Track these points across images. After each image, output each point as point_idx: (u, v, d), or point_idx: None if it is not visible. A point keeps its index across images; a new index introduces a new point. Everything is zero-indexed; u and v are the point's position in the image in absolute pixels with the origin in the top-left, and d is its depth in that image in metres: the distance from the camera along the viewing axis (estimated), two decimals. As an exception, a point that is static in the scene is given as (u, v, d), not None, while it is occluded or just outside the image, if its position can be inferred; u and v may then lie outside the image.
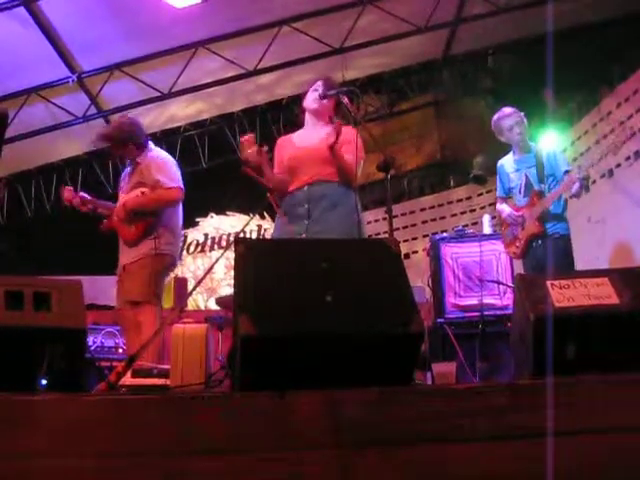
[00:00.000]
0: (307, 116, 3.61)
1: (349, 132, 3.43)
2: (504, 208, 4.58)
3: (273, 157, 3.59)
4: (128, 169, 4.31)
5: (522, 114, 4.47)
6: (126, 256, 4.06)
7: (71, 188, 4.41)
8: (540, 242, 4.29)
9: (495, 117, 4.56)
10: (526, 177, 4.45)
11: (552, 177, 4.37)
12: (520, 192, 4.49)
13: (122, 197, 4.17)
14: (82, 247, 7.89)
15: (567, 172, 4.33)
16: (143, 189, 4.09)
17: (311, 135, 3.51)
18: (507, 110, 4.49)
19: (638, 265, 5.71)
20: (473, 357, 4.37)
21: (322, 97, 3.48)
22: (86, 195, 4.36)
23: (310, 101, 3.55)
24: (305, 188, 3.37)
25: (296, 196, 3.40)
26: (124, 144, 4.19)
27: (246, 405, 1.60)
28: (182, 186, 4.12)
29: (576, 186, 4.21)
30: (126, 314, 4.04)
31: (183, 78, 7.60)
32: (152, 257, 3.99)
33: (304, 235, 3.22)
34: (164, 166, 4.17)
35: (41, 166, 8.95)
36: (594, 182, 6.82)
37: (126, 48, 7.19)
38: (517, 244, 4.42)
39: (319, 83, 3.56)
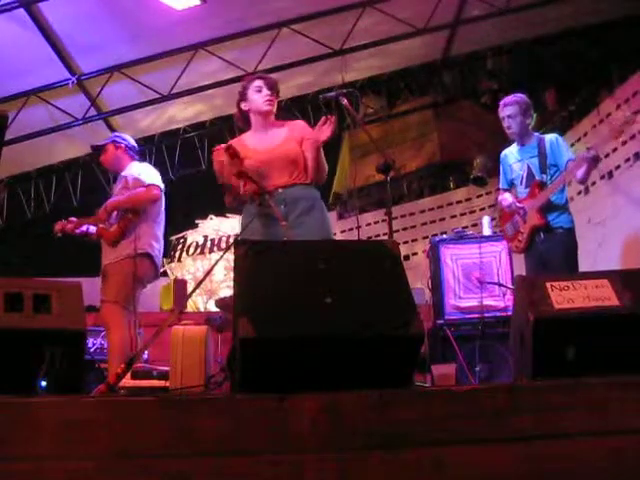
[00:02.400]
0: (254, 118, 3.50)
1: (306, 127, 3.45)
2: (506, 197, 4.41)
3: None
4: (114, 189, 4.44)
5: (521, 105, 4.29)
6: (107, 257, 4.12)
7: (61, 221, 4.47)
8: (543, 236, 4.16)
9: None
10: (528, 167, 4.30)
11: (555, 167, 4.20)
12: (521, 183, 4.34)
13: None
14: (82, 249, 7.88)
15: (570, 160, 4.19)
16: (124, 192, 4.22)
17: (272, 137, 3.44)
18: (504, 101, 4.37)
19: (638, 267, 5.71)
20: (473, 359, 4.37)
21: (273, 93, 3.46)
22: (74, 219, 4.42)
23: (261, 103, 3.43)
24: (280, 191, 3.29)
25: (266, 198, 3.30)
26: (121, 150, 4.38)
27: (246, 407, 1.60)
28: (161, 185, 4.22)
29: (583, 169, 4.07)
30: None
31: (183, 80, 7.61)
32: (132, 258, 4.01)
33: (285, 238, 3.17)
34: (144, 167, 4.34)
35: (41, 168, 8.96)
36: (594, 183, 6.84)
37: (126, 50, 7.20)
38: (520, 238, 4.27)
39: (260, 82, 3.47)
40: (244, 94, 3.49)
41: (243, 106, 3.50)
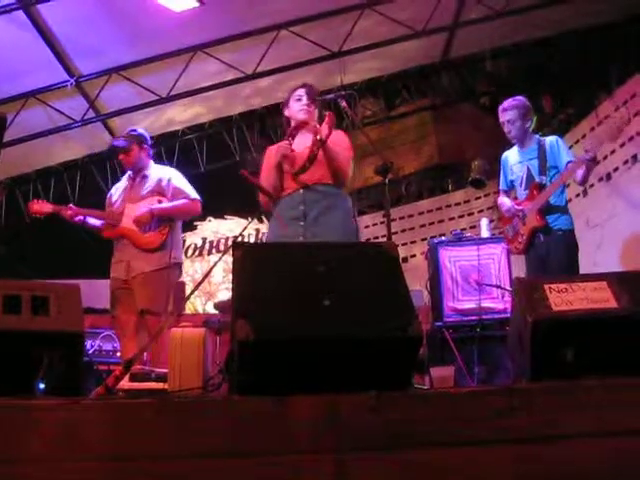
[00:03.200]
0: (293, 124, 3.60)
1: (337, 133, 3.48)
2: (504, 201, 4.46)
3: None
4: (129, 181, 4.36)
5: (520, 109, 4.33)
6: (142, 263, 4.07)
7: (41, 201, 4.45)
8: (542, 238, 4.18)
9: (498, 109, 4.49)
10: (528, 169, 4.33)
11: (555, 169, 4.23)
12: (521, 185, 4.38)
13: (130, 206, 4.19)
14: (80, 251, 7.88)
15: (570, 162, 4.20)
16: (159, 198, 4.19)
17: (301, 140, 3.51)
18: (503, 105, 4.39)
19: (636, 269, 5.71)
20: (471, 361, 4.37)
21: (312, 102, 3.52)
22: (73, 206, 4.38)
23: (296, 111, 3.57)
24: (300, 191, 3.38)
25: (291, 199, 3.40)
26: (145, 151, 4.33)
27: (244, 409, 1.60)
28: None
29: (582, 171, 4.07)
30: (128, 320, 4.03)
31: (181, 82, 7.60)
32: (171, 267, 4.10)
33: (301, 238, 3.22)
34: (183, 179, 4.35)
35: (39, 170, 8.94)
36: (592, 186, 6.84)
37: (124, 52, 7.19)
38: (519, 239, 4.30)
39: (302, 91, 3.58)
40: (287, 100, 3.65)
41: (285, 112, 3.67)
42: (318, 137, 3.33)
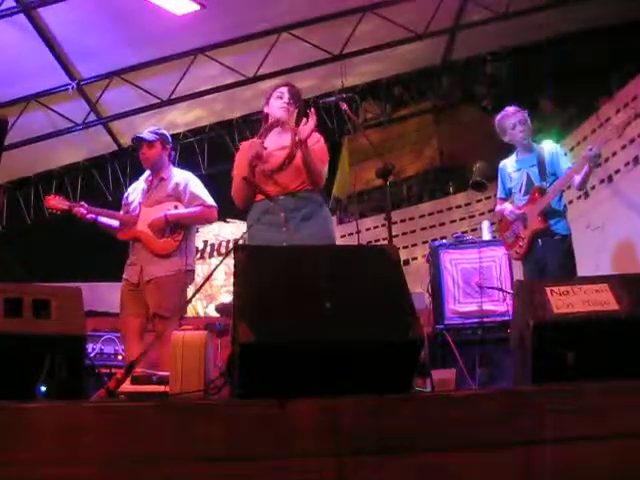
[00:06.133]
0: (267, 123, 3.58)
1: (315, 136, 3.45)
2: (506, 206, 4.51)
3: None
4: (147, 183, 4.30)
5: (525, 113, 4.44)
6: (156, 268, 4.04)
7: (59, 197, 4.37)
8: (541, 242, 4.23)
9: (498, 117, 4.54)
10: (527, 176, 4.40)
11: (554, 176, 4.30)
12: (520, 191, 4.44)
13: (146, 209, 4.15)
14: (81, 254, 7.89)
15: (569, 168, 4.26)
16: (175, 203, 4.15)
17: (276, 140, 3.48)
18: (510, 109, 4.47)
19: (638, 272, 5.69)
20: (473, 363, 4.36)
21: (293, 102, 3.53)
22: (85, 204, 4.33)
23: (276, 108, 3.53)
24: (280, 197, 3.34)
25: (269, 204, 3.36)
26: (166, 151, 4.29)
27: (245, 412, 1.60)
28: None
29: (580, 176, 4.15)
30: (134, 322, 4.03)
31: (182, 85, 7.61)
32: (184, 273, 4.06)
33: (285, 244, 3.19)
34: (201, 185, 4.29)
35: (41, 173, 8.95)
36: (593, 188, 6.84)
37: (125, 55, 7.21)
38: (520, 243, 4.34)
39: (284, 89, 3.56)
40: (268, 98, 3.61)
41: (265, 109, 3.62)
42: (297, 138, 3.31)
